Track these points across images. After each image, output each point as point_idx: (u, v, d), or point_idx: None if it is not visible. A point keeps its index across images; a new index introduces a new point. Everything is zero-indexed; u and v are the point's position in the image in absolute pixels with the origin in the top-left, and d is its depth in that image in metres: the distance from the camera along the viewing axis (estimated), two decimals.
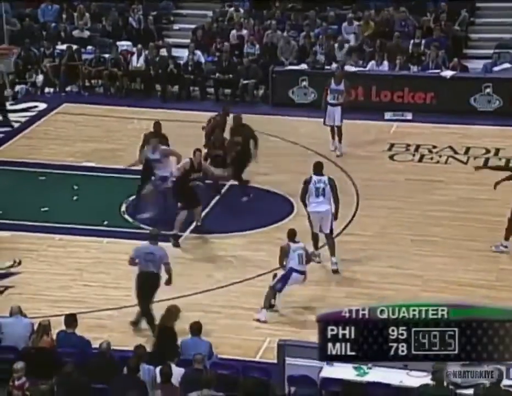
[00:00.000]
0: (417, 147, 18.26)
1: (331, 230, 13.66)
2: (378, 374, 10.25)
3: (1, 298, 13.07)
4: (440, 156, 17.82)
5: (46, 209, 15.57)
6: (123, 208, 15.45)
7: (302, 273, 12.56)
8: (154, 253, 12.13)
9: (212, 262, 14.12)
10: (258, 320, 12.39)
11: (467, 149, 18.03)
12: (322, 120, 17.73)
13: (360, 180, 16.69)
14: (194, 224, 14.77)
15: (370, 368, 10.34)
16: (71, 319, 11.23)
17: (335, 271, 13.54)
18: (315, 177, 13.66)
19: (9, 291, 13.26)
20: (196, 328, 11.06)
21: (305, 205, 13.73)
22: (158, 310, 12.00)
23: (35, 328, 11.12)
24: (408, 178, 16.91)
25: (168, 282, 12.23)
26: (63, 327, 11.20)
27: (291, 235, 12.68)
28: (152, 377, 10.23)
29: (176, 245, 14.37)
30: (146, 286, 12.06)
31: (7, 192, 16.47)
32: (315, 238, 13.76)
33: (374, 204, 15.75)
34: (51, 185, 16.56)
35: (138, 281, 12.12)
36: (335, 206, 13.68)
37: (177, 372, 10.19)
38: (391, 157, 17.90)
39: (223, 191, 16.11)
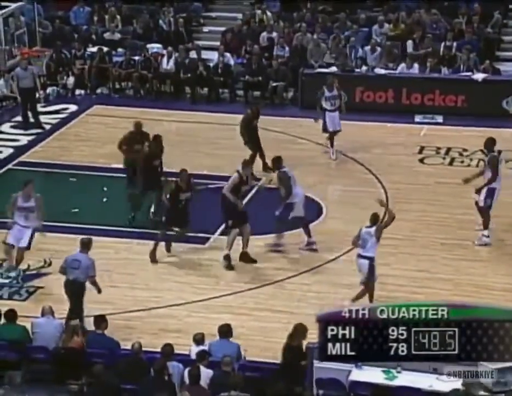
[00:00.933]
0: (448, 150, 18.14)
1: None
2: (408, 378, 10.16)
3: (32, 298, 13.17)
4: (471, 159, 17.68)
5: (76, 210, 15.66)
6: (152, 209, 15.46)
7: (360, 256, 12.51)
8: (80, 261, 12.04)
9: (241, 264, 14.10)
10: None
11: (499, 152, 17.76)
12: (350, 123, 17.70)
13: (390, 183, 16.60)
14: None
15: (399, 372, 10.26)
16: (100, 320, 11.30)
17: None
18: (287, 169, 14.25)
19: (40, 292, 13.36)
20: (225, 330, 11.05)
21: (289, 197, 14.06)
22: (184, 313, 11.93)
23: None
24: (438, 181, 16.79)
25: (98, 292, 12.18)
26: (92, 328, 11.27)
27: (372, 219, 12.56)
28: (180, 374, 10.26)
29: (229, 267, 13.85)
30: (69, 293, 12.04)
31: (38, 193, 16.57)
32: (307, 225, 14.25)
33: (404, 208, 15.62)
34: (82, 187, 16.65)
35: (64, 288, 12.12)
36: None
37: (206, 374, 10.20)
38: (421, 160, 17.79)
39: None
